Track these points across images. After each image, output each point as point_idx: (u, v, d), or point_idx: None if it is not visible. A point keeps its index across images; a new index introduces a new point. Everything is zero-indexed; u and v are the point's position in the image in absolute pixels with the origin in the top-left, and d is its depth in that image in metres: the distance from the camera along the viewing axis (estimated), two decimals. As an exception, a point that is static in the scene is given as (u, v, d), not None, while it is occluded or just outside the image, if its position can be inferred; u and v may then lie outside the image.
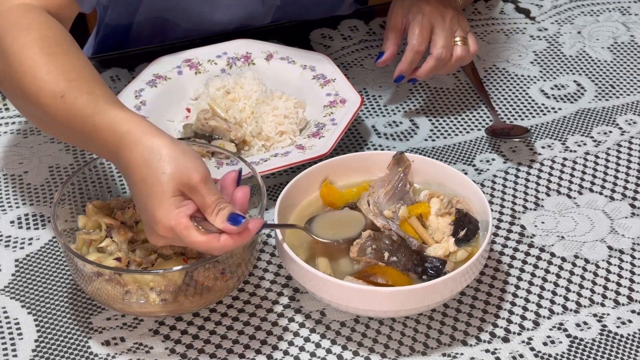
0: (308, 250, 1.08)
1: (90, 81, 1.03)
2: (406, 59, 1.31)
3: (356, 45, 1.51)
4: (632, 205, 1.22)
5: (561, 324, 1.07)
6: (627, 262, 1.14)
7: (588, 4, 1.61)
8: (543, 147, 1.31)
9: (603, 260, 1.15)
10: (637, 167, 1.28)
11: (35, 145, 1.31)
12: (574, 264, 1.14)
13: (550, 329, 1.07)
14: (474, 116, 1.37)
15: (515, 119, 1.36)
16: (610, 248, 1.16)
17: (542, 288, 1.11)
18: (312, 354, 1.04)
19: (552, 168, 1.27)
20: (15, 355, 1.04)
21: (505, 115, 1.37)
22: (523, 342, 1.05)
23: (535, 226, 1.19)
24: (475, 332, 1.06)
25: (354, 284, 1.02)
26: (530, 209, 1.21)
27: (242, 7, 1.44)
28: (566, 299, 1.10)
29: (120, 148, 0.97)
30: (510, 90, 1.42)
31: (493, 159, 1.29)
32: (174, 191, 0.94)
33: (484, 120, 1.36)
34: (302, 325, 1.07)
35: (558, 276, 1.13)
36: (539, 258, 1.15)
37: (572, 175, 1.26)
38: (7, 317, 1.08)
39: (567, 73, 1.45)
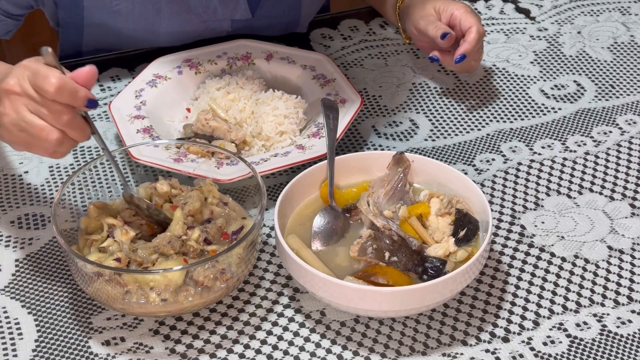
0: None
1: None
2: (473, 43, 1.32)
3: (356, 45, 1.51)
4: (632, 205, 1.22)
5: (561, 324, 1.07)
6: (627, 262, 1.14)
7: (588, 4, 1.61)
8: (543, 147, 1.31)
9: (603, 260, 1.15)
10: (637, 167, 1.27)
11: (35, 145, 1.31)
12: (574, 264, 1.14)
13: (550, 329, 1.06)
14: (474, 116, 1.37)
15: (515, 119, 1.36)
16: (610, 248, 1.16)
17: (542, 288, 1.11)
18: (312, 354, 1.04)
19: (552, 168, 1.27)
20: (15, 355, 1.04)
21: (505, 115, 1.37)
22: (523, 342, 1.05)
23: (535, 226, 1.19)
24: (475, 332, 1.06)
25: (354, 284, 1.02)
26: (530, 209, 1.21)
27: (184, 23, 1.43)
28: (566, 299, 1.10)
29: None
30: (510, 90, 1.42)
31: (493, 159, 1.29)
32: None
33: (484, 120, 1.36)
34: (302, 325, 1.07)
35: (558, 276, 1.13)
36: (539, 258, 1.15)
37: (572, 175, 1.26)
38: (7, 317, 1.08)
39: (567, 73, 1.45)
